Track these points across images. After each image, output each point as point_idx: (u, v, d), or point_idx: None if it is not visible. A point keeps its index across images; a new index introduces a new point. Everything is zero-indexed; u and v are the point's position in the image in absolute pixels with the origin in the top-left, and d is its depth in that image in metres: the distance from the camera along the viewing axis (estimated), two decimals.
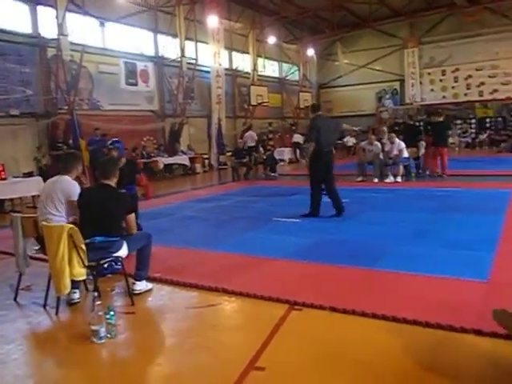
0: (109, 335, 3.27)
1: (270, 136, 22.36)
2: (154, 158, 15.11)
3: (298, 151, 17.60)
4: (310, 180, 7.29)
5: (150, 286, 4.29)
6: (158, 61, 17.08)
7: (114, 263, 3.89)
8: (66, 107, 12.81)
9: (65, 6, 12.40)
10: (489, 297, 3.64)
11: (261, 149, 14.94)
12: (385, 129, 12.16)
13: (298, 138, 17.78)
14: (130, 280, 4.12)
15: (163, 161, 15.39)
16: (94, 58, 14.33)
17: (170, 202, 9.96)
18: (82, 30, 13.76)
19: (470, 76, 23.61)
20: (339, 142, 19.55)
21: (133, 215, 4.09)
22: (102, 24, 14.90)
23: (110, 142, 6.06)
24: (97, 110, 14.48)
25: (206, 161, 18.50)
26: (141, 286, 4.18)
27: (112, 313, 3.29)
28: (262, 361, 2.86)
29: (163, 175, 15.49)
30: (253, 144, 16.13)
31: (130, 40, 16.06)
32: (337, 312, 3.53)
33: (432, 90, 24.79)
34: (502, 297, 3.60)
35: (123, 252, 3.97)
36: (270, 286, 4.16)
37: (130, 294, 4.00)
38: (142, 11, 15.37)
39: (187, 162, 16.66)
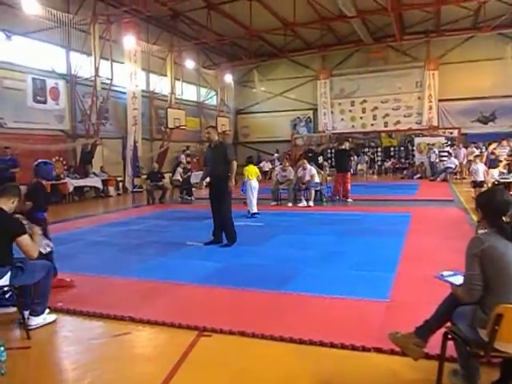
0: None
1: (188, 159, 22.24)
2: (63, 180, 14.34)
3: None
4: (226, 208, 6.95)
5: (50, 318, 3.96)
6: (71, 79, 16.40)
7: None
8: None
9: None
10: (389, 315, 3.85)
11: (180, 170, 14.74)
12: (305, 161, 12.47)
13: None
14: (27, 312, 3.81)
15: (73, 183, 14.64)
16: None
17: (78, 226, 9.46)
18: None
19: (376, 108, 25.38)
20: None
21: (24, 238, 3.65)
22: (8, 37, 14.04)
23: (35, 164, 5.42)
24: None
25: (120, 183, 17.91)
26: (37, 320, 3.84)
27: (2, 348, 3.02)
28: None
29: (72, 198, 14.71)
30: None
31: (40, 56, 15.30)
32: (246, 336, 3.53)
33: (342, 119, 26.26)
34: (401, 315, 3.82)
35: (3, 282, 3.61)
36: (179, 312, 4.06)
37: (26, 326, 3.69)
38: (53, 27, 14.73)
39: (99, 185, 15.98)
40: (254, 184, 10.15)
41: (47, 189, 5.67)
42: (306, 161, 12.33)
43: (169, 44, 21.04)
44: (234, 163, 6.93)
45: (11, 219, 3.79)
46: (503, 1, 17.77)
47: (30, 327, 3.76)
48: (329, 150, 23.71)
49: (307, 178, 11.70)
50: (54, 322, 3.97)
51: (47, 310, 3.98)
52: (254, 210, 9.91)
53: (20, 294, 3.74)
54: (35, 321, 3.83)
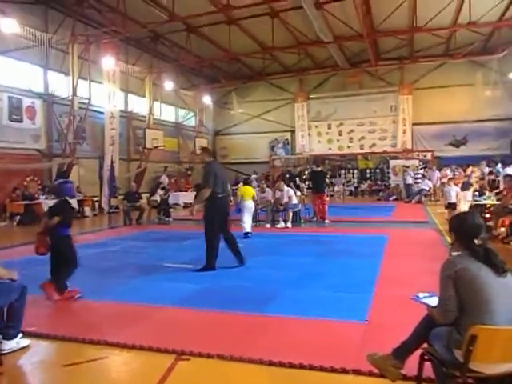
0: None
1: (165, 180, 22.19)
2: (38, 200, 14.08)
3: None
4: (206, 229, 6.69)
5: (24, 343, 3.85)
6: (48, 98, 16.28)
7: None
8: None
9: None
10: (367, 337, 3.88)
11: (161, 191, 14.65)
12: (281, 183, 12.55)
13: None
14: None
15: (48, 203, 14.36)
16: None
17: None
18: None
19: (352, 130, 25.89)
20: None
21: None
22: None
23: (57, 183, 5.77)
24: None
25: (97, 204, 17.67)
26: (10, 345, 3.73)
27: None
28: None
29: None
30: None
31: (16, 74, 15.17)
32: (224, 360, 3.51)
33: (319, 141, 26.67)
34: (378, 336, 3.85)
35: None
36: (156, 335, 4.01)
37: None
38: (31, 46, 14.66)
39: (75, 205, 15.70)
40: (249, 205, 10.23)
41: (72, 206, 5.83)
42: (282, 183, 12.44)
43: (148, 65, 21.16)
44: (204, 189, 6.66)
45: None
46: (473, 30, 18.53)
47: (3, 351, 3.65)
48: (306, 172, 23.96)
49: (285, 199, 11.79)
50: (28, 346, 3.85)
51: (20, 334, 3.87)
52: (248, 229, 9.93)
53: None
54: (8, 345, 3.73)
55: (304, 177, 23.09)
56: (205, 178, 6.67)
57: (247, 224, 10.00)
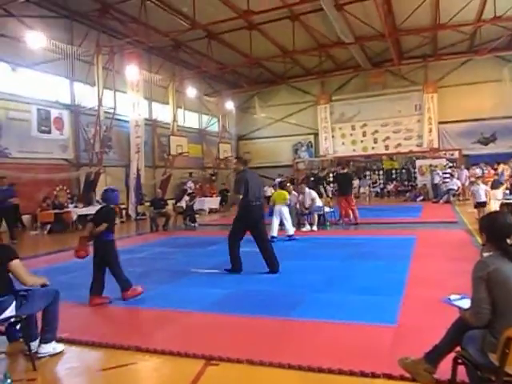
0: None
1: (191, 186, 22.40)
2: (67, 209, 14.41)
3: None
4: (230, 232, 6.96)
5: (59, 348, 3.94)
6: (74, 109, 16.68)
7: (12, 327, 3.55)
8: None
9: None
10: (398, 340, 3.81)
11: (187, 197, 14.78)
12: (303, 185, 12.57)
13: None
14: (35, 342, 3.79)
15: (77, 211, 14.70)
16: (2, 103, 13.72)
17: None
18: None
19: (376, 131, 25.60)
20: None
21: (15, 262, 3.68)
22: (13, 69, 14.36)
23: (104, 190, 6.18)
24: (4, 158, 13.64)
25: (124, 211, 17.96)
26: (47, 348, 3.84)
27: (9, 381, 3.00)
28: None
29: (76, 227, 14.73)
30: None
31: (44, 87, 15.60)
32: (254, 364, 3.50)
33: (343, 143, 26.47)
34: (409, 340, 3.78)
35: (9, 313, 3.61)
36: (185, 341, 4.04)
37: (32, 358, 3.66)
38: (58, 58, 15.06)
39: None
40: (277, 208, 10.36)
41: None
42: (303, 185, 12.41)
43: (171, 73, 21.44)
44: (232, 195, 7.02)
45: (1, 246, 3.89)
46: (499, 24, 18.11)
47: (40, 355, 3.76)
48: (331, 174, 23.80)
49: (308, 202, 11.73)
50: (62, 352, 3.94)
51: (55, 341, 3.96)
52: (274, 233, 10.05)
53: (25, 324, 3.73)
54: (45, 349, 3.82)
55: (329, 179, 22.93)
56: (235, 186, 6.96)
57: (274, 227, 10.09)
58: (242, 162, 7.31)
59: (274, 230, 10.08)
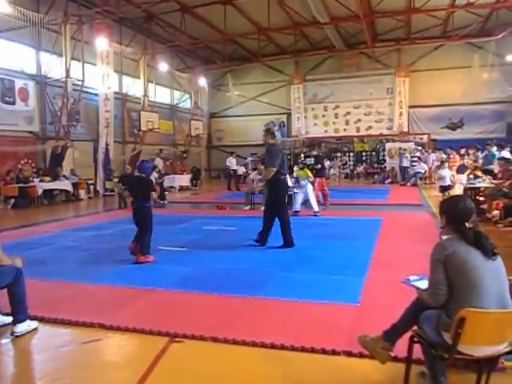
0: None
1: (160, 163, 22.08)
2: (32, 183, 14.01)
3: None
4: (275, 207, 7.05)
5: (33, 325, 3.88)
6: (40, 79, 16.08)
7: None
8: None
9: None
10: (359, 319, 3.92)
11: (156, 174, 14.56)
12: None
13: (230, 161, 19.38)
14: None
15: (42, 186, 14.32)
16: None
17: (48, 230, 9.26)
18: None
19: (348, 113, 25.79)
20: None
21: None
22: None
23: (140, 161, 6.80)
24: None
25: (92, 187, 17.62)
26: (22, 327, 3.77)
27: None
28: None
29: (42, 202, 14.37)
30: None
31: (8, 55, 14.94)
32: (218, 342, 3.53)
33: (315, 124, 26.57)
34: (370, 318, 3.89)
35: None
36: (150, 318, 4.03)
37: None
38: (23, 26, 14.40)
39: (70, 188, 15.66)
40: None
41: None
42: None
43: (142, 46, 20.86)
44: (269, 168, 6.90)
45: None
46: (471, 11, 18.33)
47: (17, 334, 3.72)
48: (302, 155, 23.82)
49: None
50: (37, 328, 3.88)
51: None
52: (298, 208, 10.61)
53: None
54: (20, 328, 3.76)
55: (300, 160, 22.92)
56: (271, 158, 6.88)
57: (298, 203, 10.63)
58: (272, 135, 7.24)
59: (298, 205, 10.62)
